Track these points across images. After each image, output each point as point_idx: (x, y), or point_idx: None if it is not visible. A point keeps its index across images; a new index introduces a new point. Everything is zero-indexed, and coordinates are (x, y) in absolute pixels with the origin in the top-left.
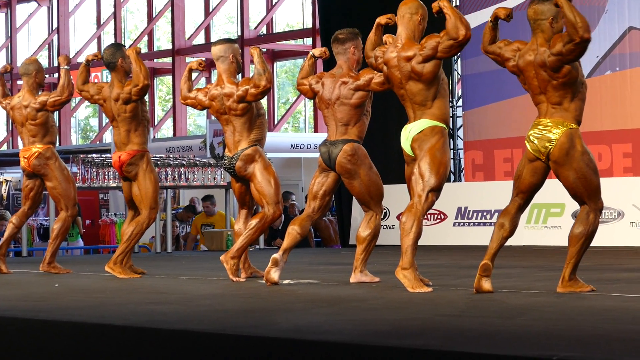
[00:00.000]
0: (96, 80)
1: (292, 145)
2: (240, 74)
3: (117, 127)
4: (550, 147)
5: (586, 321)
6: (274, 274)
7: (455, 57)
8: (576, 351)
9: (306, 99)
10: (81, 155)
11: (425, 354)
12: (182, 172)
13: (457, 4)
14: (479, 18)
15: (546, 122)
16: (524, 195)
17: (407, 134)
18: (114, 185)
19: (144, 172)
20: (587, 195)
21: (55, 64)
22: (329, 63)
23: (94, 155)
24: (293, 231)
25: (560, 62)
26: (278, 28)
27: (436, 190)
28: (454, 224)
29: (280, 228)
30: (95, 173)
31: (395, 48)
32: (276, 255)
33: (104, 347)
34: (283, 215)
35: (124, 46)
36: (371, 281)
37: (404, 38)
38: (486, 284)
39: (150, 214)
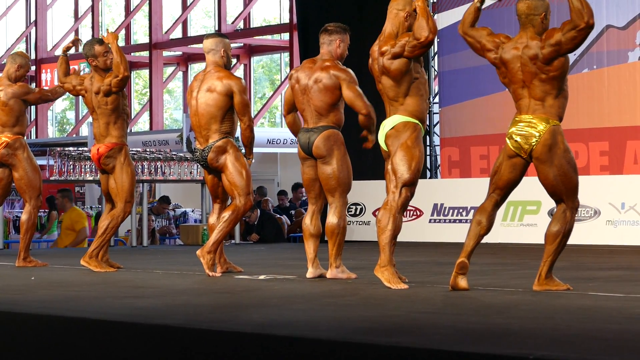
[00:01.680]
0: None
1: (268, 140)
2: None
3: (96, 120)
4: (533, 144)
5: (562, 320)
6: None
7: (432, 53)
8: (552, 350)
9: (282, 95)
10: (58, 148)
11: (402, 351)
12: (159, 166)
13: (435, 0)
14: (455, 15)
15: (528, 119)
16: (501, 191)
17: (382, 130)
18: (91, 178)
19: (121, 165)
20: (566, 193)
21: (33, 56)
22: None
23: (71, 148)
24: (307, 232)
25: (556, 52)
26: (255, 23)
27: (410, 185)
28: (430, 221)
29: (256, 223)
30: (72, 166)
31: (378, 41)
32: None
33: (80, 340)
34: (259, 211)
35: (104, 42)
36: (348, 277)
37: (386, 33)
38: (462, 282)
39: (125, 207)
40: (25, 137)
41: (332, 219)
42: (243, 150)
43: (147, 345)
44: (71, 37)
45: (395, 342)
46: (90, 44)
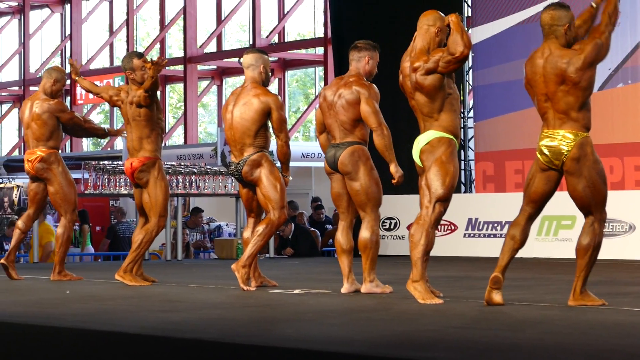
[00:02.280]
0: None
1: (302, 154)
2: (267, 86)
3: (130, 133)
4: (564, 158)
5: (598, 335)
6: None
7: (467, 67)
8: None
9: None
10: (93, 162)
11: None
12: (193, 179)
13: (469, 14)
14: (490, 30)
15: (556, 133)
16: (535, 205)
17: (417, 146)
18: (125, 192)
19: (155, 180)
20: (595, 204)
21: (67, 70)
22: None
23: (106, 162)
24: (339, 248)
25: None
26: (289, 37)
27: (443, 201)
28: (465, 235)
29: (290, 237)
30: (106, 180)
31: (409, 57)
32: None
33: (115, 354)
34: (293, 225)
35: (143, 55)
36: (382, 292)
37: (417, 49)
38: (497, 297)
39: (159, 221)
40: (60, 151)
41: (364, 233)
42: (278, 165)
43: (181, 359)
44: (106, 51)
45: (430, 357)
46: (129, 57)
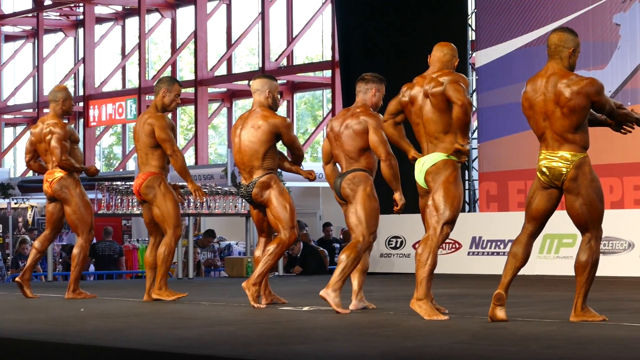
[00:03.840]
0: (120, 110)
1: None
2: (275, 110)
3: (139, 150)
4: (563, 178)
5: (601, 350)
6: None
7: (471, 90)
8: None
9: (324, 130)
10: (106, 183)
11: None
12: (204, 200)
13: (473, 38)
14: (493, 53)
15: (555, 154)
16: (536, 222)
17: (421, 167)
18: (138, 212)
19: (162, 194)
20: (592, 221)
21: (80, 93)
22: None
23: (119, 182)
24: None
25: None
26: (298, 60)
27: (450, 223)
28: (469, 253)
29: (299, 255)
30: (119, 200)
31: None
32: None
33: None
34: (302, 243)
35: (177, 81)
36: (369, 307)
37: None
38: (500, 313)
39: (175, 232)
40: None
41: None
42: (287, 185)
43: None
44: (119, 74)
45: None
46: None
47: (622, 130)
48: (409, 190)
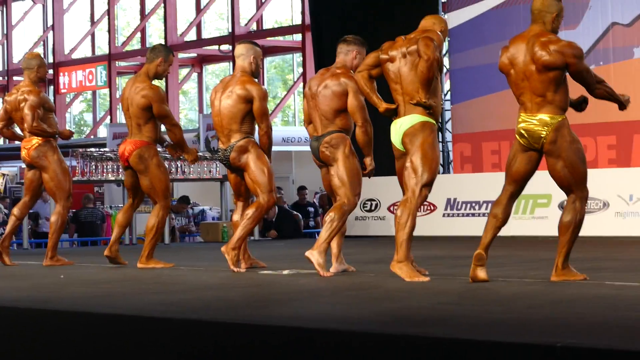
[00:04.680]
0: (90, 76)
1: (283, 138)
2: (257, 77)
3: (130, 117)
4: (542, 142)
5: (584, 308)
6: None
7: (443, 52)
8: (579, 338)
9: (295, 94)
10: (80, 150)
11: (431, 341)
12: (179, 165)
13: (445, 0)
14: (465, 14)
15: (534, 117)
16: (517, 184)
17: (398, 129)
18: (113, 178)
19: (155, 165)
20: (575, 183)
21: (50, 60)
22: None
23: (93, 149)
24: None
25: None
26: (267, 25)
27: (429, 185)
28: (444, 215)
29: (274, 220)
30: (94, 166)
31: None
32: None
33: (115, 336)
34: (277, 208)
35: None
36: (348, 269)
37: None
38: (481, 273)
39: (166, 203)
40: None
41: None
42: None
43: (181, 339)
44: (87, 41)
45: (425, 332)
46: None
47: (579, 109)
48: (383, 153)
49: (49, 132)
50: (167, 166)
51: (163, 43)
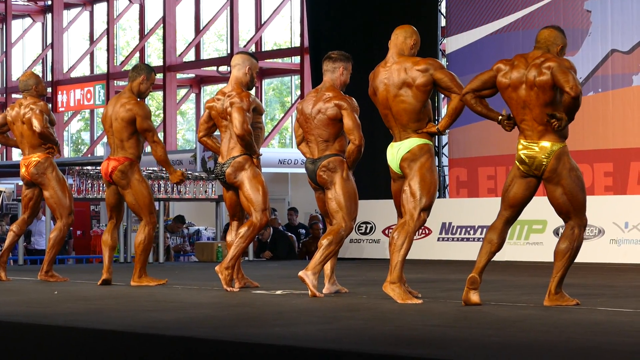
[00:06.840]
0: (89, 95)
1: (279, 160)
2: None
3: (112, 134)
4: (543, 169)
5: (576, 333)
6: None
7: None
8: None
9: (293, 116)
10: (77, 167)
11: None
12: (174, 184)
13: (444, 24)
14: (463, 39)
15: (535, 144)
16: (513, 209)
17: (396, 153)
18: None
19: (138, 181)
20: (574, 210)
21: (49, 78)
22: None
23: (89, 167)
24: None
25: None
26: (266, 46)
27: (427, 209)
28: (439, 239)
29: (269, 241)
30: (90, 185)
31: (386, 66)
32: None
33: (107, 352)
34: (271, 229)
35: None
36: (341, 290)
37: (397, 55)
38: (474, 297)
39: (151, 219)
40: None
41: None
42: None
43: (173, 356)
44: (87, 60)
45: (416, 353)
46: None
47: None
48: (379, 175)
49: (54, 139)
50: (161, 185)
51: (146, 62)
